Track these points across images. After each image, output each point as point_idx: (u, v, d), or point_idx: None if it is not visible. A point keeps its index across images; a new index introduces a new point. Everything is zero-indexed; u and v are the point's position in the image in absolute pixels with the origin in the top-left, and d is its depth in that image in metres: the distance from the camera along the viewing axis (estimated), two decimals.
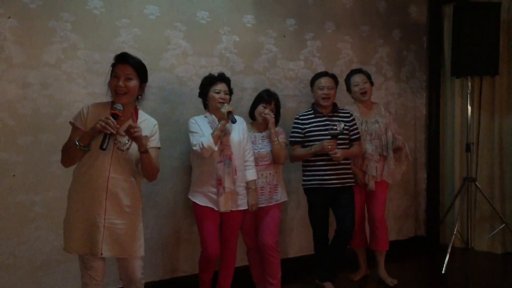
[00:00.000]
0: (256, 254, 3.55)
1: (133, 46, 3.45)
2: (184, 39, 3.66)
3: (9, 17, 3.06)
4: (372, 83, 3.90)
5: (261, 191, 3.40)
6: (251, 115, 3.56)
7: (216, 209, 3.16)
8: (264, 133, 3.49)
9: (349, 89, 3.93)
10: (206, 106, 3.34)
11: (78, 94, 3.28)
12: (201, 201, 3.19)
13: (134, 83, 2.53)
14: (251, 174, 3.31)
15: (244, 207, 3.28)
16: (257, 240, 3.49)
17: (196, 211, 3.25)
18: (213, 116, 3.24)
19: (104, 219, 2.46)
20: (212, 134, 3.08)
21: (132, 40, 3.46)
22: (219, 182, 3.13)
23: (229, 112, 3.08)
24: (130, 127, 2.41)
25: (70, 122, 2.56)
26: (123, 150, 2.49)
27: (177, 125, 3.58)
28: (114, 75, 2.52)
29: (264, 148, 3.44)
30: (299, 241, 4.24)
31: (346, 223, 3.55)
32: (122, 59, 2.54)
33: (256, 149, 3.42)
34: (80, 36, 3.28)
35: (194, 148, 3.12)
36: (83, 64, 3.29)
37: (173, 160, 3.61)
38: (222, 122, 3.11)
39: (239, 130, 3.30)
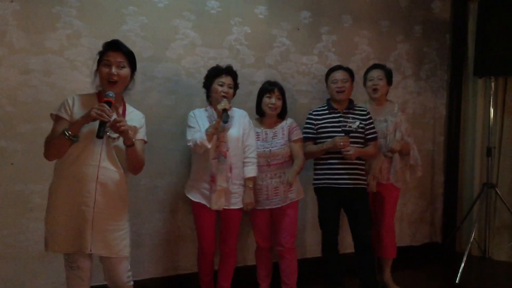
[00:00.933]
0: (266, 255, 3.48)
1: (140, 35, 3.36)
2: (192, 29, 3.55)
3: (12, 1, 3.01)
4: (389, 82, 3.72)
5: (275, 191, 3.29)
6: (258, 112, 3.43)
7: (208, 205, 3.09)
8: (275, 129, 3.36)
9: (365, 83, 3.77)
10: (208, 98, 3.24)
11: (81, 83, 3.19)
12: (194, 197, 3.14)
13: (126, 71, 2.45)
14: (249, 170, 3.19)
15: (239, 205, 3.18)
16: (271, 241, 3.41)
17: (192, 207, 3.21)
18: (213, 110, 3.14)
19: (93, 212, 2.35)
20: (206, 131, 2.99)
21: (138, 28, 3.37)
22: (212, 179, 3.05)
23: (224, 110, 2.97)
24: (115, 121, 2.31)
25: (52, 114, 2.43)
26: (114, 138, 2.40)
27: (182, 118, 3.45)
28: (105, 63, 2.41)
29: (276, 146, 3.32)
30: (307, 242, 4.11)
31: (364, 233, 3.42)
32: (115, 46, 2.45)
33: (267, 147, 3.31)
34: (85, 22, 3.21)
35: (188, 144, 3.07)
36: (87, 52, 3.21)
37: (176, 155, 3.51)
38: (217, 120, 3.01)
39: (239, 125, 3.19)
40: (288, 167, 3.34)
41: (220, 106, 2.97)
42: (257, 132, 3.35)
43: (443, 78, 4.75)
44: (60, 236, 2.36)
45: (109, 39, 3.15)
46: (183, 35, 3.52)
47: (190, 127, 3.11)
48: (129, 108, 2.58)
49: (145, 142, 2.62)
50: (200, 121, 3.11)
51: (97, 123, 2.28)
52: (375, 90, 3.65)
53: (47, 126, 3.05)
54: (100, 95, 2.46)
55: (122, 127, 2.32)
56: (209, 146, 2.98)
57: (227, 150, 3.07)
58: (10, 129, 3.04)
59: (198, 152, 3.03)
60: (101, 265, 2.52)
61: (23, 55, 3.04)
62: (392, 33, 4.40)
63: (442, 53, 4.72)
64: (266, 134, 3.36)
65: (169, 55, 3.48)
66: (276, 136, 3.35)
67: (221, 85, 3.12)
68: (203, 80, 3.28)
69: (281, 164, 3.32)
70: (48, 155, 2.39)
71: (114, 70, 2.39)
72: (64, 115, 2.38)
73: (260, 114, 3.44)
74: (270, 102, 3.31)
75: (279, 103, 3.34)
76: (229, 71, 3.18)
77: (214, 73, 3.17)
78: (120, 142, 2.42)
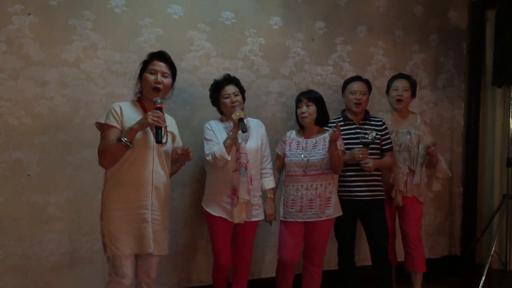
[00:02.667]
0: (290, 271, 3.29)
1: (155, 46, 3.36)
2: (207, 40, 3.55)
3: (29, 14, 3.04)
4: (414, 94, 3.66)
5: (310, 204, 3.15)
6: (299, 123, 3.34)
7: (229, 219, 3.02)
8: (315, 139, 3.25)
9: (387, 92, 3.70)
10: (221, 113, 3.21)
11: (96, 94, 3.22)
12: (214, 211, 3.06)
13: (169, 80, 2.61)
14: (268, 182, 3.17)
15: (259, 217, 3.14)
16: (297, 257, 3.26)
17: (208, 220, 3.13)
18: (229, 121, 3.08)
19: (152, 214, 2.51)
20: (224, 143, 2.93)
21: (154, 40, 3.38)
22: (234, 192, 2.98)
23: (240, 120, 2.90)
24: (188, 150, 2.61)
25: (99, 123, 2.52)
26: (164, 143, 2.50)
27: (197, 128, 3.45)
28: (150, 71, 2.55)
29: (315, 156, 3.17)
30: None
31: (381, 245, 3.38)
32: (161, 56, 2.61)
33: (306, 157, 3.18)
34: (101, 35, 3.23)
35: (207, 158, 3.00)
36: (103, 64, 3.24)
37: (192, 165, 3.47)
38: (234, 130, 2.94)
39: (257, 136, 3.15)
40: (326, 179, 3.18)
41: (235, 116, 2.90)
42: (298, 141, 3.26)
43: (460, 87, 4.68)
44: (121, 239, 2.46)
45: (124, 51, 3.25)
46: (198, 46, 3.53)
47: (207, 140, 3.05)
48: (166, 116, 2.65)
49: None
50: (217, 133, 3.06)
51: (147, 130, 2.47)
52: (399, 101, 3.58)
53: (64, 137, 3.13)
54: (141, 102, 2.61)
55: (190, 157, 2.65)
56: (229, 158, 2.92)
57: (247, 162, 3.01)
58: (27, 141, 3.06)
59: (217, 165, 2.96)
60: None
61: (40, 67, 3.07)
62: (408, 43, 4.35)
63: (459, 62, 4.65)
64: (306, 143, 3.24)
65: (184, 66, 3.48)
66: (316, 146, 3.22)
67: (227, 97, 3.08)
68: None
69: (318, 175, 3.17)
70: (105, 162, 2.50)
71: (160, 77, 2.52)
72: (114, 123, 2.47)
73: (300, 126, 3.35)
74: (301, 112, 3.21)
75: (311, 110, 3.18)
76: (228, 80, 3.15)
77: (216, 88, 3.15)
78: (166, 147, 2.57)
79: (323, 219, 3.17)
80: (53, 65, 3.10)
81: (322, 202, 3.15)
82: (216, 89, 3.14)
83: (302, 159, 3.17)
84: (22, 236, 3.08)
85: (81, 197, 3.19)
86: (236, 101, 3.07)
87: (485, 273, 3.96)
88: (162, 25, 3.41)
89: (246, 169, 2.98)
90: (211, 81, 3.36)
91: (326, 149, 3.15)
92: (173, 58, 3.36)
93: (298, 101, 3.27)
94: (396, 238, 3.74)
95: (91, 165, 3.03)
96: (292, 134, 3.33)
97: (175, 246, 3.49)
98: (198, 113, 3.52)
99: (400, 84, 3.59)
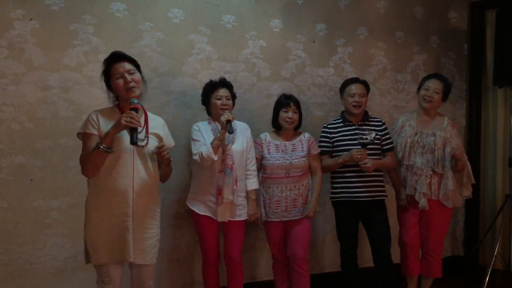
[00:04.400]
0: (283, 268, 3.45)
1: (156, 50, 3.38)
2: (208, 44, 3.56)
3: (31, 19, 3.05)
4: (445, 97, 3.51)
5: (293, 203, 3.29)
6: (275, 125, 3.41)
7: (214, 218, 3.11)
8: (294, 142, 3.35)
9: (419, 90, 3.58)
10: (209, 113, 3.27)
11: (98, 99, 3.21)
12: (199, 209, 3.14)
13: (138, 75, 2.50)
14: (252, 183, 3.24)
15: (243, 217, 3.21)
16: (285, 253, 3.38)
17: (194, 218, 3.21)
18: (216, 123, 3.15)
19: (133, 221, 2.43)
20: (212, 143, 3.00)
21: (155, 44, 3.39)
22: (219, 192, 3.07)
23: (228, 121, 2.97)
24: (160, 149, 2.46)
25: (79, 134, 2.48)
26: (142, 146, 2.44)
27: None
28: (116, 76, 2.45)
29: (296, 158, 3.30)
30: (326, 256, 4.05)
31: (383, 246, 3.37)
32: (118, 57, 2.50)
33: (287, 159, 3.29)
34: (102, 39, 3.24)
35: (194, 157, 3.07)
36: None
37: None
38: (221, 131, 3.02)
39: (242, 138, 3.21)
40: (306, 179, 3.33)
41: (223, 118, 2.98)
42: (276, 144, 3.35)
43: (461, 88, 4.68)
44: (102, 248, 2.41)
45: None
46: (199, 50, 3.54)
47: (194, 140, 3.12)
48: (150, 115, 2.61)
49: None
50: (204, 134, 3.13)
51: (124, 134, 2.38)
52: (427, 101, 3.47)
53: (66, 142, 3.14)
54: (120, 107, 2.52)
55: (167, 155, 2.49)
56: (215, 158, 3.00)
57: (233, 163, 3.08)
58: (29, 145, 3.07)
59: (204, 165, 3.03)
60: (130, 272, 2.58)
61: (42, 72, 3.08)
62: (409, 44, 4.36)
63: (460, 63, 4.65)
64: (285, 146, 3.34)
65: (186, 70, 3.49)
66: (295, 148, 3.34)
67: (219, 99, 3.15)
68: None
69: (300, 176, 3.31)
70: (87, 172, 2.43)
71: (128, 77, 2.44)
72: (93, 131, 2.41)
73: (276, 127, 3.42)
74: (288, 117, 3.30)
75: (296, 116, 3.34)
76: (223, 83, 3.20)
77: (210, 88, 3.19)
78: (149, 149, 2.49)
79: (304, 215, 3.33)
80: (55, 69, 3.11)
81: (303, 200, 3.32)
82: (210, 89, 3.19)
83: (285, 162, 3.28)
84: (25, 241, 3.09)
85: (84, 201, 3.15)
86: (226, 105, 3.14)
87: (488, 274, 3.95)
88: (163, 29, 3.42)
89: (231, 170, 3.06)
90: None
91: (306, 151, 3.33)
92: (174, 61, 3.45)
93: (284, 105, 3.32)
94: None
95: None
96: (267, 137, 3.39)
97: (177, 250, 3.51)
98: (199, 117, 3.51)
99: (433, 85, 3.46)
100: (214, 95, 3.16)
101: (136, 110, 2.36)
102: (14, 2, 3.02)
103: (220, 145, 3.04)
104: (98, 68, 3.19)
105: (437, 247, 3.56)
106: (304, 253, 3.31)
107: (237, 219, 3.17)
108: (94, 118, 2.44)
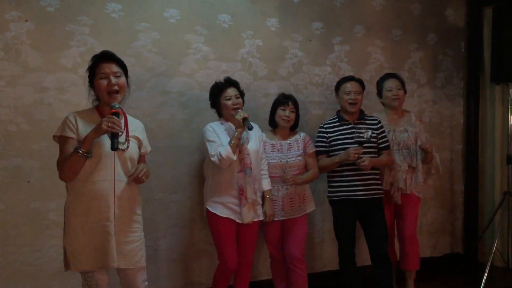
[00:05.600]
0: (281, 267, 3.45)
1: (152, 51, 3.38)
2: (205, 43, 3.56)
3: (26, 21, 3.05)
4: (405, 91, 3.70)
5: (290, 202, 3.29)
6: (271, 123, 3.41)
7: (237, 220, 3.05)
8: (290, 141, 3.35)
9: (379, 94, 3.72)
10: (220, 115, 3.23)
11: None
12: (222, 212, 3.05)
13: (123, 79, 2.41)
14: (266, 184, 3.23)
15: (262, 217, 3.18)
16: (283, 252, 3.38)
17: (213, 222, 3.10)
18: (229, 123, 3.12)
19: (114, 226, 2.34)
20: (230, 143, 2.95)
21: (151, 44, 3.39)
22: (241, 192, 3.01)
23: (245, 119, 2.94)
24: (139, 174, 2.37)
25: (55, 136, 2.39)
26: (123, 150, 2.38)
27: (196, 132, 3.46)
28: (100, 76, 2.36)
29: (292, 157, 3.31)
30: (325, 255, 4.05)
31: (381, 245, 3.37)
32: (107, 57, 2.40)
33: (283, 158, 3.30)
34: (98, 40, 3.24)
35: (212, 159, 2.97)
36: None
37: (191, 169, 3.50)
38: (239, 130, 2.97)
39: (255, 138, 3.19)
40: None
41: (239, 116, 2.94)
42: (272, 143, 3.35)
43: (459, 85, 4.67)
44: (83, 254, 2.33)
45: (122, 56, 3.13)
46: (196, 50, 3.53)
47: (210, 141, 3.03)
48: (129, 118, 2.54)
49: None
50: (220, 135, 3.07)
51: (104, 138, 2.29)
52: (396, 99, 3.59)
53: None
54: (99, 109, 2.44)
55: (144, 175, 2.39)
56: (235, 158, 2.95)
57: (251, 162, 3.05)
58: (27, 147, 3.07)
59: (223, 166, 2.96)
60: (118, 277, 2.52)
61: (38, 74, 3.09)
62: (406, 42, 4.35)
63: (457, 61, 4.65)
64: (281, 145, 3.34)
65: (182, 70, 3.49)
66: (291, 148, 3.34)
67: (229, 99, 3.11)
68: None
69: (296, 175, 3.30)
70: (64, 176, 2.35)
71: (113, 80, 2.35)
72: (71, 134, 2.33)
73: (273, 126, 3.42)
74: (285, 115, 3.30)
75: (293, 116, 3.34)
76: (230, 83, 3.18)
77: (217, 90, 3.16)
78: (129, 153, 2.42)
79: (301, 214, 3.34)
80: (51, 71, 3.11)
81: (300, 199, 3.33)
82: (217, 91, 3.16)
83: (281, 161, 3.29)
84: (23, 243, 3.09)
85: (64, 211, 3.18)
86: (237, 104, 3.10)
87: (487, 270, 3.95)
88: (159, 29, 3.42)
89: (251, 169, 3.02)
90: (209, 84, 3.37)
91: (302, 150, 3.35)
92: (170, 61, 3.43)
93: (283, 103, 3.32)
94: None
95: None
96: (263, 137, 3.37)
97: (176, 250, 3.50)
98: (196, 117, 3.52)
99: (393, 83, 3.61)
100: (223, 96, 3.12)
101: (117, 114, 2.28)
102: (9, 3, 3.02)
103: (239, 144, 2.99)
104: None
105: (414, 238, 3.64)
106: (300, 253, 3.31)
107: (257, 219, 3.14)
108: (72, 120, 2.35)
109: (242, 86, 3.48)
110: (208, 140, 3.04)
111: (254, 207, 3.08)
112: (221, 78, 3.44)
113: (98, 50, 3.16)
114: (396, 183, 3.52)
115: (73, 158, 2.26)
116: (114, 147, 2.24)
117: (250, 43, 3.71)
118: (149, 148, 2.62)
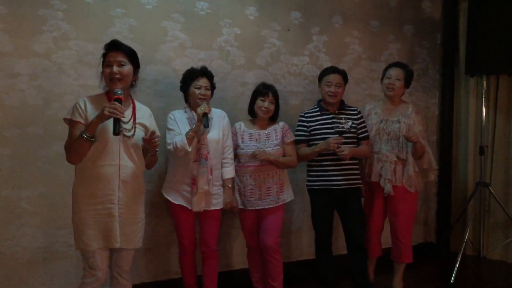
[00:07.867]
0: (257, 256, 3.46)
1: (128, 37, 3.32)
2: (182, 31, 3.51)
3: None
4: (407, 84, 3.60)
5: (268, 192, 3.29)
6: (251, 112, 3.40)
7: (189, 208, 3.11)
8: (268, 130, 3.35)
9: (382, 80, 3.65)
10: (187, 101, 3.24)
11: (68, 86, 3.16)
12: (175, 199, 3.15)
13: (128, 68, 2.52)
14: (228, 172, 3.24)
15: (219, 206, 3.21)
16: (258, 241, 3.38)
17: (170, 207, 3.22)
18: (193, 112, 3.14)
19: (118, 208, 2.49)
20: (186, 134, 2.99)
21: (127, 30, 3.33)
22: (193, 182, 3.07)
23: (204, 114, 2.95)
24: (153, 136, 2.52)
25: (65, 119, 2.50)
26: (129, 137, 2.51)
27: None
28: (106, 64, 2.51)
29: (270, 146, 3.30)
30: (303, 244, 4.09)
31: (357, 234, 3.40)
32: (114, 46, 2.53)
33: (261, 148, 3.29)
34: (72, 25, 3.16)
35: (168, 147, 3.07)
36: (75, 55, 3.18)
37: (166, 157, 3.45)
38: (197, 123, 3.00)
39: (219, 127, 3.20)
40: (279, 168, 3.34)
41: (200, 110, 2.95)
42: (250, 133, 3.34)
43: (434, 77, 4.74)
44: (88, 234, 2.45)
45: (97, 42, 3.18)
46: (173, 37, 3.49)
47: (169, 129, 3.11)
48: (137, 105, 2.67)
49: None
50: (180, 123, 3.11)
51: (110, 122, 2.37)
52: (390, 89, 3.53)
53: (35, 130, 3.07)
54: (108, 95, 2.55)
55: (157, 143, 2.55)
56: (189, 149, 2.99)
57: (208, 153, 3.08)
58: None
59: (178, 155, 3.02)
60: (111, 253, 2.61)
61: (9, 59, 2.99)
62: (383, 33, 4.38)
63: (433, 53, 4.71)
64: (259, 135, 3.34)
65: (159, 57, 3.44)
66: (269, 137, 3.34)
67: (198, 88, 3.12)
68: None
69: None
70: (71, 159, 2.48)
71: (115, 69, 2.47)
72: (79, 119, 2.45)
73: (252, 115, 3.41)
74: (263, 106, 3.29)
75: (272, 107, 3.32)
76: (204, 72, 3.17)
77: (190, 76, 3.16)
78: (134, 139, 2.54)
79: (279, 204, 3.33)
80: (23, 56, 3.03)
81: (277, 188, 3.32)
82: (190, 77, 3.16)
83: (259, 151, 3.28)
84: None
85: (55, 191, 3.13)
86: (204, 95, 3.11)
87: (459, 259, 4.05)
88: (135, 15, 3.35)
89: (206, 160, 3.06)
90: None
91: (279, 140, 3.34)
92: (146, 49, 3.39)
93: (262, 94, 3.31)
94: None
95: (64, 158, 2.96)
96: (242, 126, 3.38)
97: (152, 239, 3.48)
98: (173, 105, 3.46)
99: (394, 72, 3.53)
100: (194, 84, 3.13)
101: (119, 100, 2.40)
102: None
103: (195, 136, 3.02)
104: (68, 55, 3.16)
105: (406, 232, 3.59)
106: (274, 242, 3.31)
107: (212, 208, 3.16)
108: (82, 105, 2.47)
109: (220, 75, 3.46)
110: (168, 128, 3.13)
111: (207, 197, 3.12)
112: (198, 66, 3.42)
113: (72, 35, 3.16)
114: (385, 174, 3.46)
115: (78, 142, 2.38)
116: (115, 132, 2.35)
117: (228, 31, 3.68)
118: (158, 134, 2.69)
